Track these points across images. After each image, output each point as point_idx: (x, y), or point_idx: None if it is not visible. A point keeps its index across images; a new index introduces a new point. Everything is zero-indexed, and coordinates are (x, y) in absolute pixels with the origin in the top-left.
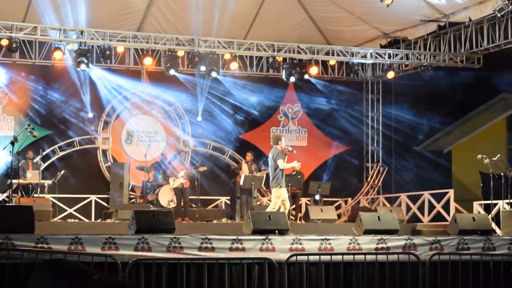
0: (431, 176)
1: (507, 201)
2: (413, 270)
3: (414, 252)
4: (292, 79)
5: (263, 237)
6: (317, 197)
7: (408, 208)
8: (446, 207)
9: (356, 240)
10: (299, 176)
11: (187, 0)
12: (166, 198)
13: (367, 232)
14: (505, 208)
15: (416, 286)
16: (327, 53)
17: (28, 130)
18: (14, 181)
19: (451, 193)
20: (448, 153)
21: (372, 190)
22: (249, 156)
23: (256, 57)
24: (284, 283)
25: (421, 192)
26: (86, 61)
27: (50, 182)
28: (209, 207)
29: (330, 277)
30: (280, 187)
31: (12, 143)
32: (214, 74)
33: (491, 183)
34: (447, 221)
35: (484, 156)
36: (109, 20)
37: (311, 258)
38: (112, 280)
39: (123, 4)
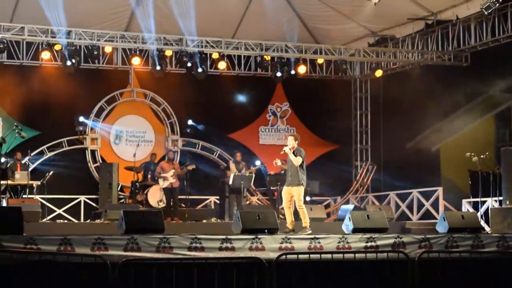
0: (420, 174)
1: (496, 198)
2: (402, 268)
3: (403, 250)
4: (280, 78)
5: (253, 236)
6: (308, 198)
7: (397, 206)
8: (435, 205)
9: (345, 238)
10: None
11: None
12: (155, 198)
13: (356, 230)
14: (493, 206)
15: (406, 284)
16: (315, 52)
17: (16, 131)
18: (2, 182)
19: (440, 191)
20: (437, 151)
21: (361, 188)
22: (239, 156)
23: (244, 56)
24: (274, 283)
25: (410, 190)
26: (73, 61)
27: (38, 183)
28: (199, 206)
29: (320, 276)
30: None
31: (0, 144)
32: (202, 74)
33: (480, 181)
34: (436, 219)
35: (473, 154)
36: (97, 20)
37: (301, 257)
38: (101, 281)
39: (110, 4)
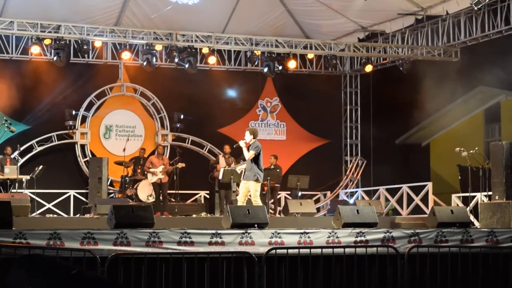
0: (409, 169)
1: (485, 193)
2: (391, 263)
3: (393, 245)
4: (270, 72)
5: (242, 231)
6: (299, 194)
7: (387, 201)
8: (425, 200)
9: (335, 233)
10: (277, 170)
11: None
12: (145, 192)
13: (346, 225)
14: (483, 201)
15: (395, 278)
16: (305, 47)
17: (6, 125)
18: None
19: (429, 186)
20: (427, 146)
21: (351, 183)
22: (227, 148)
23: (234, 51)
24: (263, 277)
25: (399, 185)
26: (63, 55)
27: (28, 177)
28: (188, 201)
29: (310, 270)
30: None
31: None
32: (192, 68)
33: (469, 176)
34: (425, 213)
35: (462, 149)
36: (87, 14)
37: (291, 251)
38: (90, 274)
39: None
